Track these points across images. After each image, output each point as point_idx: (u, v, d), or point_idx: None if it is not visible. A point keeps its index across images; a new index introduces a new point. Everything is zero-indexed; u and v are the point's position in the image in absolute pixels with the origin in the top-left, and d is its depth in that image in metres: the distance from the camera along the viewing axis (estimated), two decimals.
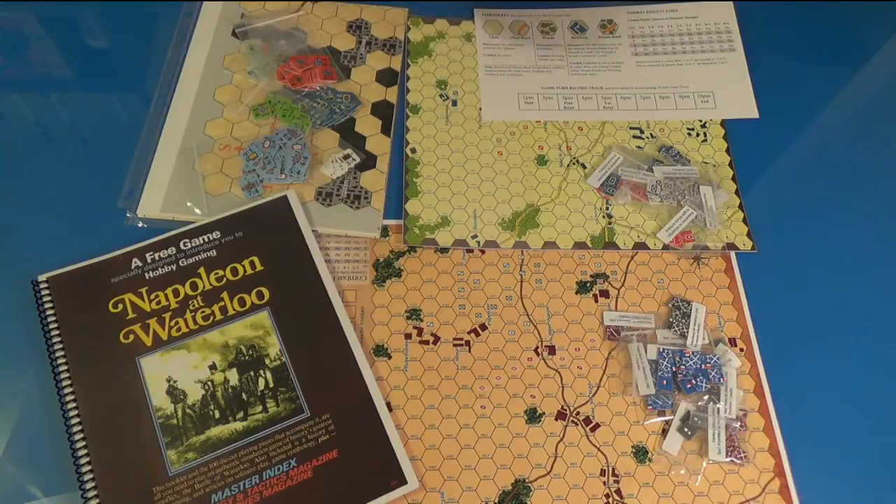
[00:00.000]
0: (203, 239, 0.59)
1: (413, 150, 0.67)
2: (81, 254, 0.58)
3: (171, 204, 0.61)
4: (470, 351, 0.58)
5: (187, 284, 0.57)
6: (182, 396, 0.52)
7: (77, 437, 0.50)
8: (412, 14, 0.75)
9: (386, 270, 0.60)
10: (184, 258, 0.58)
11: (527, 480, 0.53)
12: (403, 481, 0.51)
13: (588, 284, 0.61)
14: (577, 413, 0.56)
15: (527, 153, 0.67)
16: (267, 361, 0.54)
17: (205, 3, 0.72)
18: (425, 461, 0.53)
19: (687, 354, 0.57)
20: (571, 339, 0.59)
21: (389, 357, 0.57)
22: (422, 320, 0.59)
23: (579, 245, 0.63)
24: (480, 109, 0.70)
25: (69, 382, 0.52)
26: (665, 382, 0.56)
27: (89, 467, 0.49)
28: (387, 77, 0.70)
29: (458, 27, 0.75)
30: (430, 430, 0.55)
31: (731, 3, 0.78)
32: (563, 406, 0.56)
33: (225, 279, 0.57)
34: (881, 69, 0.76)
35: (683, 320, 0.59)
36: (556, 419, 0.56)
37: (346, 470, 0.51)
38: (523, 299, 0.60)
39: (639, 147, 0.69)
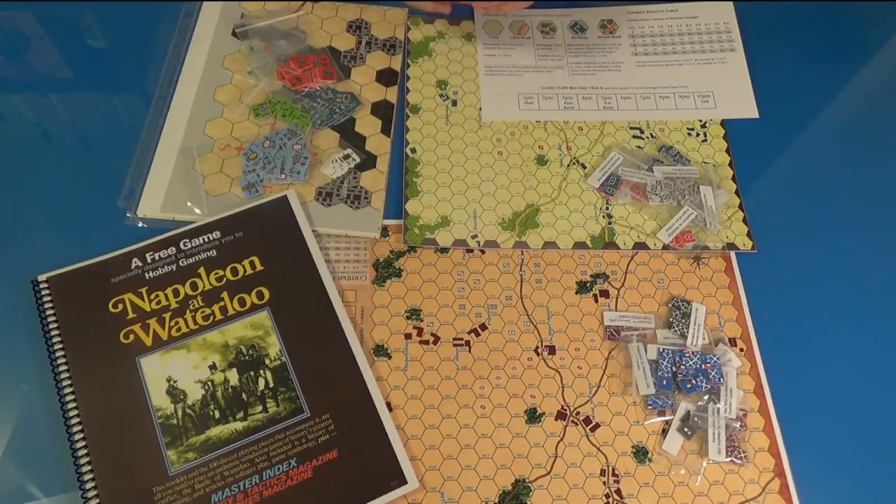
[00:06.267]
0: (203, 239, 0.59)
1: (413, 150, 0.67)
2: (81, 254, 0.58)
3: (171, 204, 0.61)
4: (470, 351, 0.58)
5: (187, 284, 0.57)
6: (182, 396, 0.52)
7: (77, 437, 0.50)
8: (412, 14, 0.75)
9: (386, 270, 0.60)
10: (184, 258, 0.58)
11: (527, 480, 0.53)
12: (403, 481, 0.51)
13: (588, 284, 0.61)
14: (577, 413, 0.56)
15: (527, 153, 0.67)
16: (267, 361, 0.54)
17: (205, 3, 0.72)
18: (425, 461, 0.53)
19: (687, 354, 0.57)
20: (571, 339, 0.59)
21: (389, 357, 0.57)
22: (422, 320, 0.59)
23: (579, 245, 0.63)
24: (480, 109, 0.70)
25: (69, 382, 0.52)
26: (665, 382, 0.56)
27: (89, 467, 0.49)
28: (387, 77, 0.70)
29: (458, 27, 0.75)
30: (430, 430, 0.55)
31: (731, 3, 0.78)
32: (563, 406, 0.56)
33: (225, 279, 0.57)
34: (881, 69, 0.76)
35: (683, 320, 0.59)
36: (556, 419, 0.56)
37: (346, 470, 0.51)
38: (523, 299, 0.60)
39: (639, 147, 0.69)
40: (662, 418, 0.56)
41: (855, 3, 0.79)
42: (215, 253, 0.59)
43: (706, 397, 0.56)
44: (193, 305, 0.56)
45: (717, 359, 0.57)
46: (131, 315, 0.55)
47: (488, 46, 0.74)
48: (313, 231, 0.61)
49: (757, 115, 0.71)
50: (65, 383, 0.52)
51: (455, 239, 0.62)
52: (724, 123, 0.71)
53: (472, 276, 0.61)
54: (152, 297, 0.56)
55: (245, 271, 0.58)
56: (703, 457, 0.54)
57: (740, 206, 0.66)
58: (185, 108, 0.66)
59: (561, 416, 0.56)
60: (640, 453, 0.55)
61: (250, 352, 0.55)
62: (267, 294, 0.57)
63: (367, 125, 0.67)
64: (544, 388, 0.57)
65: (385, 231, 0.62)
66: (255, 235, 0.60)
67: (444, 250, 0.62)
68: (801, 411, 0.57)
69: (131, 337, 0.54)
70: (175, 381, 0.53)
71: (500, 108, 0.70)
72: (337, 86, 0.69)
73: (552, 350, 0.58)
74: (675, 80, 0.73)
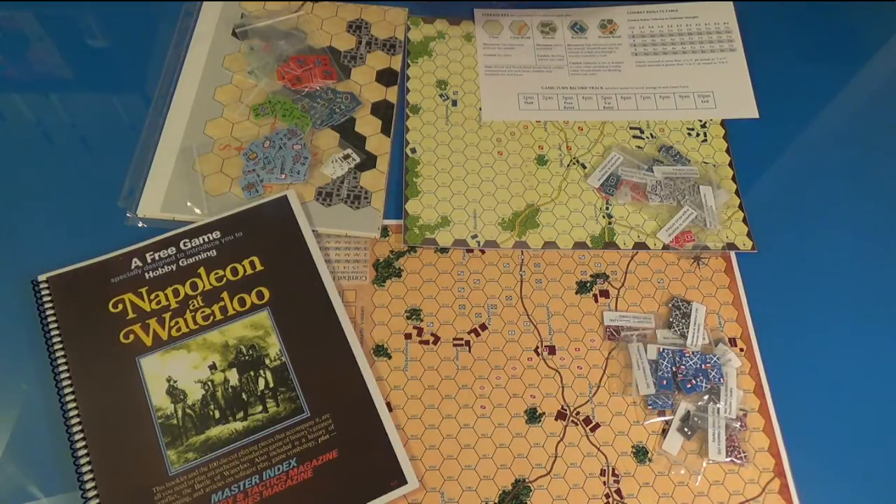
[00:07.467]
0: (203, 239, 0.59)
1: (413, 150, 0.67)
2: (81, 254, 0.58)
3: (171, 204, 0.61)
4: (470, 351, 0.58)
5: (187, 284, 0.57)
6: (182, 396, 0.52)
7: (77, 437, 0.50)
8: (412, 14, 0.75)
9: (386, 270, 0.60)
10: (184, 258, 0.58)
11: (527, 480, 0.53)
12: (403, 481, 0.51)
13: (588, 284, 0.61)
14: (577, 413, 0.56)
15: (527, 153, 0.67)
16: (267, 361, 0.54)
17: (205, 3, 0.72)
18: (425, 461, 0.53)
19: (687, 354, 0.57)
20: (571, 339, 0.59)
21: (389, 357, 0.57)
22: (422, 320, 0.59)
23: (579, 245, 0.63)
24: (480, 109, 0.70)
25: (69, 382, 0.52)
26: (665, 382, 0.56)
27: (89, 467, 0.49)
28: (387, 77, 0.70)
29: (458, 27, 0.75)
30: (430, 430, 0.55)
31: (731, 3, 0.78)
32: (563, 406, 0.56)
33: (225, 279, 0.57)
34: (881, 69, 0.76)
35: (683, 320, 0.59)
36: (556, 419, 0.56)
37: (346, 470, 0.51)
38: (523, 299, 0.60)
39: (639, 147, 0.69)
40: (662, 418, 0.56)
41: (855, 3, 0.79)
42: (215, 253, 0.59)
43: (706, 397, 0.56)
44: (193, 305, 0.56)
45: (717, 359, 0.57)
46: (131, 315, 0.55)
47: (488, 46, 0.74)
48: (313, 231, 0.61)
49: (757, 115, 0.72)
50: (65, 383, 0.52)
51: (455, 239, 0.62)
52: (724, 123, 0.71)
53: (472, 276, 0.61)
54: (152, 297, 0.56)
55: (245, 271, 0.58)
56: (703, 457, 0.54)
57: (740, 206, 0.66)
58: (185, 108, 0.66)
59: (561, 416, 0.56)
60: (640, 453, 0.55)
61: (250, 352, 0.55)
62: (267, 294, 0.57)
63: (367, 125, 0.67)
64: (544, 388, 0.57)
65: (385, 231, 0.62)
66: (255, 235, 0.60)
67: (444, 250, 0.62)
68: (801, 411, 0.57)
69: (131, 337, 0.54)
70: (175, 381, 0.53)
71: (500, 108, 0.70)
72: (337, 86, 0.69)
73: (552, 350, 0.58)
74: (675, 80, 0.73)
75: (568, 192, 0.65)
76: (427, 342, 0.58)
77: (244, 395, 0.53)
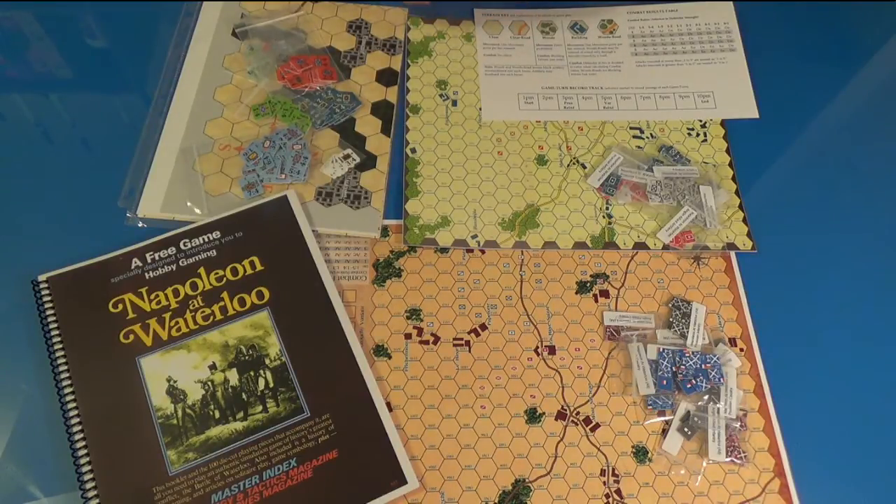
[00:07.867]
0: (203, 239, 0.59)
1: (413, 150, 0.67)
2: (81, 254, 0.58)
3: (171, 204, 0.61)
4: (470, 351, 0.58)
5: (187, 284, 0.57)
6: (182, 396, 0.52)
7: (77, 437, 0.50)
8: (412, 14, 0.75)
9: (386, 270, 0.60)
10: (184, 258, 0.58)
11: (527, 480, 0.53)
12: (403, 481, 0.51)
13: (588, 284, 0.61)
14: (577, 413, 0.56)
15: (527, 153, 0.67)
16: (267, 361, 0.54)
17: (205, 3, 0.72)
18: (425, 461, 0.53)
19: (687, 354, 0.57)
20: (571, 339, 0.59)
21: (389, 357, 0.57)
22: (422, 320, 0.59)
23: (579, 245, 0.63)
24: (480, 109, 0.70)
25: (69, 382, 0.52)
26: (665, 382, 0.56)
27: (89, 467, 0.49)
28: (387, 77, 0.70)
29: (458, 27, 0.75)
30: (430, 430, 0.55)
31: (731, 3, 0.78)
32: (563, 406, 0.56)
33: (225, 279, 0.57)
34: (881, 69, 0.76)
35: (683, 320, 0.59)
36: (556, 419, 0.56)
37: (346, 470, 0.51)
38: (523, 299, 0.60)
39: (639, 147, 0.69)
40: (662, 418, 0.56)
41: (855, 3, 0.79)
42: (215, 253, 0.59)
43: (706, 397, 0.56)
44: (193, 305, 0.56)
45: (717, 359, 0.57)
46: (131, 315, 0.55)
47: (488, 46, 0.74)
48: (313, 231, 0.61)
49: (757, 115, 0.72)
50: (65, 383, 0.52)
51: (455, 239, 0.62)
52: (724, 123, 0.71)
53: (472, 276, 0.61)
54: (152, 297, 0.56)
55: (245, 271, 0.58)
56: (703, 457, 0.54)
57: (740, 206, 0.66)
58: (185, 108, 0.66)
59: (561, 416, 0.56)
60: (640, 453, 0.55)
61: (250, 352, 0.55)
62: (267, 294, 0.57)
63: (367, 125, 0.67)
64: (544, 388, 0.57)
65: (385, 231, 0.62)
66: (255, 235, 0.60)
67: (444, 250, 0.62)
68: (801, 411, 0.57)
69: (131, 337, 0.54)
70: (175, 381, 0.53)
71: (500, 108, 0.70)
72: (337, 86, 0.69)
73: (552, 350, 0.58)
74: (675, 80, 0.73)
75: (568, 192, 0.65)
76: (427, 342, 0.58)
77: (244, 395, 0.53)
